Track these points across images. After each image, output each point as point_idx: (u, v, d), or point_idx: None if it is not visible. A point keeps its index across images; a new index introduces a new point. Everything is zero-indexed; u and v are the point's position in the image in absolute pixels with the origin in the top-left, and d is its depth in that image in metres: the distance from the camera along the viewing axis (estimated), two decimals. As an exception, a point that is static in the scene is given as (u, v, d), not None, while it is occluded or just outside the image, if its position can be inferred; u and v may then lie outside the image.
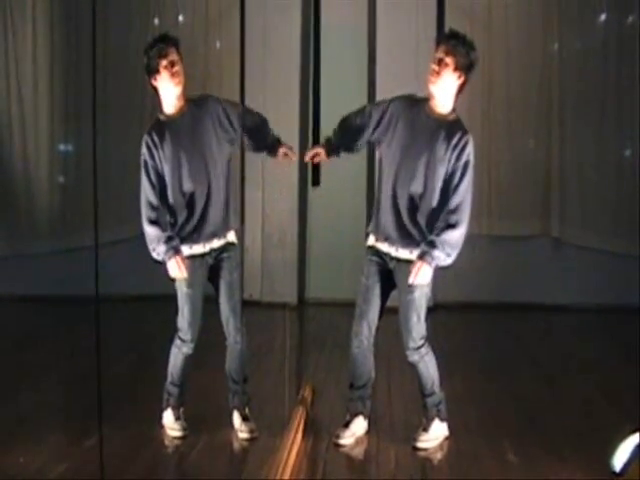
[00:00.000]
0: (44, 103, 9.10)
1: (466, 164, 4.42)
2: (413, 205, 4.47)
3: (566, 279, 8.75)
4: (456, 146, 4.41)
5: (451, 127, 4.46)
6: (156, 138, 4.53)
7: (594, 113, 8.77)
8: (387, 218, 4.56)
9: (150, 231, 4.55)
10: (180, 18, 8.99)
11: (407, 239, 4.51)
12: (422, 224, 4.48)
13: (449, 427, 4.75)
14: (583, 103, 8.78)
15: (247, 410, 4.79)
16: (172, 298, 4.70)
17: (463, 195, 4.42)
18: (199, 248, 4.65)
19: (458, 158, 4.41)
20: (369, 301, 4.68)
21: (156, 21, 8.92)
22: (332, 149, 4.80)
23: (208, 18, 8.92)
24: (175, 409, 4.77)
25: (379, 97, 8.62)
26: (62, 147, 9.31)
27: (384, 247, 4.60)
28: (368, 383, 4.78)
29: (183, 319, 4.67)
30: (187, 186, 4.56)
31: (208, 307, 4.72)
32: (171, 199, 4.58)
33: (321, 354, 6.69)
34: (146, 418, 4.90)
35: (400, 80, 8.36)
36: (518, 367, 6.53)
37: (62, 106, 9.07)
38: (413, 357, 4.61)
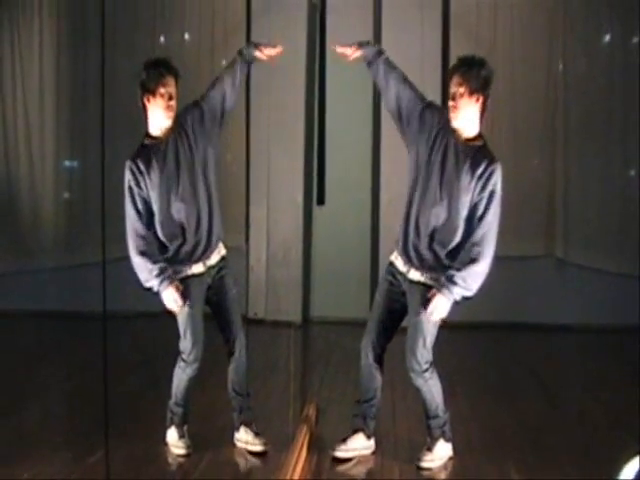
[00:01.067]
0: (50, 120, 9.15)
1: (492, 194, 4.36)
2: (432, 230, 4.43)
3: (570, 299, 8.74)
4: (482, 176, 4.34)
5: (477, 155, 4.39)
6: (142, 165, 4.45)
7: (598, 133, 8.78)
8: (407, 235, 4.54)
9: (139, 262, 4.47)
10: (186, 36, 9.03)
11: (421, 262, 4.49)
12: (439, 252, 4.43)
13: (453, 447, 4.74)
14: (587, 123, 8.78)
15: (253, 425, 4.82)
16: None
17: (488, 227, 4.37)
18: (199, 267, 4.62)
19: (483, 188, 4.34)
20: (375, 318, 4.71)
21: (162, 39, 8.97)
22: None
23: (214, 38, 8.96)
24: (179, 427, 4.76)
25: (384, 116, 8.68)
26: (67, 163, 9.35)
27: (400, 265, 4.59)
28: (372, 401, 4.78)
29: (186, 341, 4.64)
30: (178, 211, 4.49)
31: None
32: (161, 226, 4.50)
33: (325, 372, 6.69)
34: (150, 435, 4.90)
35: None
36: (521, 386, 6.51)
37: (68, 124, 9.12)
38: (417, 381, 4.60)
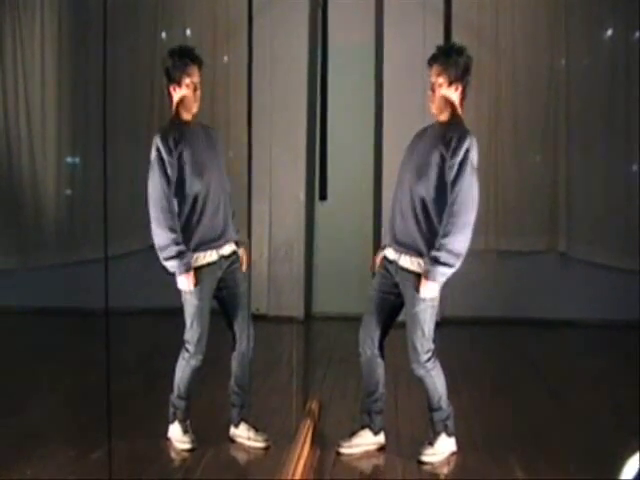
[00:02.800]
0: (52, 117, 9.16)
1: (462, 163, 4.32)
2: (415, 210, 4.45)
3: (573, 294, 8.74)
4: (450, 142, 4.36)
5: (450, 129, 4.44)
6: (172, 138, 4.49)
7: (601, 129, 8.78)
8: (394, 221, 4.58)
9: (164, 236, 4.45)
10: (188, 33, 9.02)
11: (410, 245, 4.49)
12: (425, 231, 4.44)
13: (455, 442, 4.75)
14: (590, 119, 8.78)
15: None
16: (178, 311, 4.70)
17: (460, 197, 4.31)
18: (212, 256, 4.62)
19: (454, 154, 4.33)
20: (371, 312, 4.70)
21: (163, 36, 8.96)
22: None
23: (216, 36, 8.95)
24: (182, 422, 4.75)
25: (386, 113, 8.70)
26: (70, 160, 9.36)
27: (391, 254, 4.60)
28: (375, 396, 4.77)
29: (193, 332, 4.64)
30: (200, 188, 4.54)
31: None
32: (184, 201, 4.53)
33: (328, 368, 6.69)
34: (153, 432, 4.89)
35: (407, 98, 8.46)
36: (525, 382, 6.51)
37: (70, 120, 9.13)
38: (419, 371, 4.59)
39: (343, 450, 4.70)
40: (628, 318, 8.25)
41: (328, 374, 6.52)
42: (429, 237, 4.43)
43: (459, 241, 4.35)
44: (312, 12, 8.56)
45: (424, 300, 4.47)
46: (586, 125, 8.79)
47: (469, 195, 4.34)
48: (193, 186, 4.53)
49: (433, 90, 4.48)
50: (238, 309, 4.76)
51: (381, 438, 4.82)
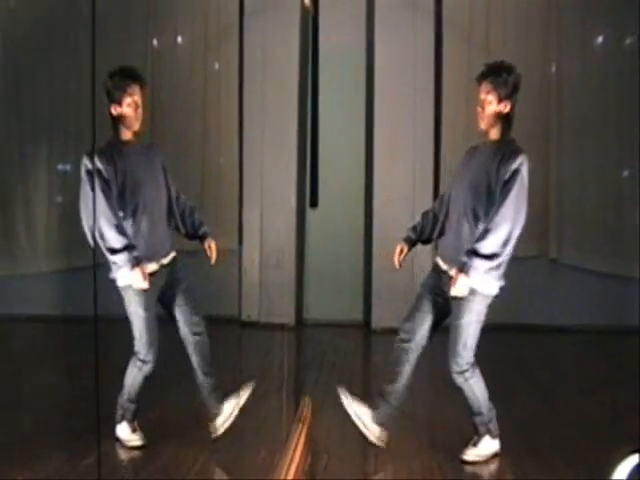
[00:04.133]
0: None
1: (511, 179, 4.41)
2: (469, 225, 4.56)
3: (563, 300, 8.75)
4: (502, 160, 4.45)
5: (501, 146, 4.53)
6: (110, 154, 4.58)
7: (592, 134, 8.80)
8: (445, 237, 4.76)
9: (111, 235, 4.50)
10: (179, 38, 9.03)
11: (459, 260, 4.55)
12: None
13: (451, 445, 4.76)
14: (581, 124, 8.80)
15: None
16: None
17: (506, 203, 4.41)
18: (153, 266, 4.68)
19: (506, 172, 4.42)
20: (419, 309, 4.75)
21: (154, 41, 8.96)
22: (414, 242, 4.93)
23: (207, 39, 8.96)
24: (130, 422, 4.83)
25: (377, 118, 8.71)
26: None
27: (442, 265, 4.70)
28: (395, 388, 4.77)
29: (142, 342, 4.71)
30: (138, 204, 4.63)
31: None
32: (124, 214, 4.61)
33: (319, 374, 6.68)
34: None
35: (398, 100, 8.48)
36: (515, 387, 6.52)
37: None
38: (457, 380, 4.67)
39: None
40: (618, 323, 8.27)
41: (319, 380, 6.51)
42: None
43: (497, 237, 4.42)
44: (303, 16, 8.57)
45: (469, 313, 4.55)
46: (577, 131, 8.81)
47: (512, 203, 4.41)
48: (130, 201, 4.61)
49: (482, 107, 4.55)
50: (186, 300, 4.82)
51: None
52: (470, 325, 4.57)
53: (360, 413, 4.76)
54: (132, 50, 8.79)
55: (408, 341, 4.72)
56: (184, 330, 4.83)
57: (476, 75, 4.62)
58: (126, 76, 4.61)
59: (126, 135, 4.68)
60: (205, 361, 4.84)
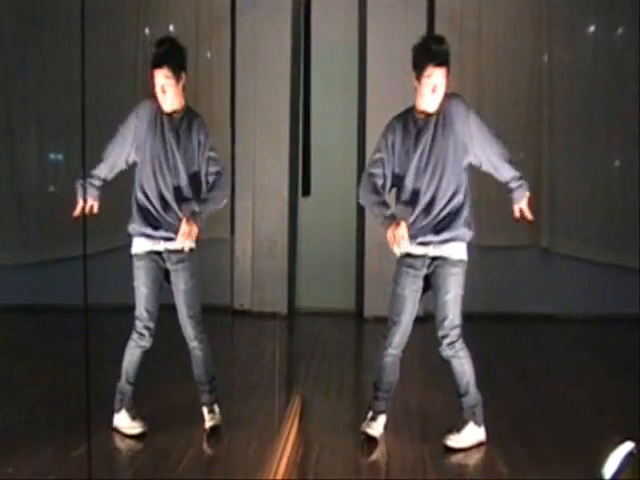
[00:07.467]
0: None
1: (469, 115, 4.61)
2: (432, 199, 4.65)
3: (554, 289, 8.79)
4: (455, 117, 4.60)
5: (443, 111, 4.61)
6: (148, 113, 4.74)
7: (583, 125, 8.82)
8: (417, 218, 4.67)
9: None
10: (170, 29, 8.99)
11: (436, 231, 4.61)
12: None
13: (437, 437, 4.76)
14: (572, 114, 8.82)
15: (216, 405, 4.88)
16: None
17: (493, 141, 4.74)
18: (157, 245, 4.73)
19: (464, 121, 4.60)
20: (405, 312, 4.71)
21: (146, 31, 8.92)
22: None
23: (198, 31, 8.93)
24: (129, 410, 4.80)
25: (369, 109, 8.70)
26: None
27: (417, 251, 4.66)
28: (393, 386, 4.84)
29: (141, 310, 4.74)
30: (162, 178, 4.70)
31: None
32: (139, 182, 4.72)
33: (311, 364, 6.69)
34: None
35: (390, 91, 8.46)
36: (506, 377, 6.54)
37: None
38: (447, 352, 4.67)
39: (373, 432, 4.79)
40: (610, 312, 8.30)
41: (311, 370, 6.53)
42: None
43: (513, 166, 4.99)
44: (295, 8, 8.55)
45: (458, 284, 4.62)
46: (569, 121, 8.83)
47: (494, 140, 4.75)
48: (152, 172, 4.76)
49: (433, 91, 4.57)
50: (186, 306, 4.83)
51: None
52: (457, 296, 4.63)
53: (381, 426, 4.83)
54: (123, 39, 8.77)
55: (395, 355, 4.76)
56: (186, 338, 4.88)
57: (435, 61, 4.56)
58: (172, 49, 4.77)
59: (168, 108, 4.75)
60: (198, 372, 4.88)
